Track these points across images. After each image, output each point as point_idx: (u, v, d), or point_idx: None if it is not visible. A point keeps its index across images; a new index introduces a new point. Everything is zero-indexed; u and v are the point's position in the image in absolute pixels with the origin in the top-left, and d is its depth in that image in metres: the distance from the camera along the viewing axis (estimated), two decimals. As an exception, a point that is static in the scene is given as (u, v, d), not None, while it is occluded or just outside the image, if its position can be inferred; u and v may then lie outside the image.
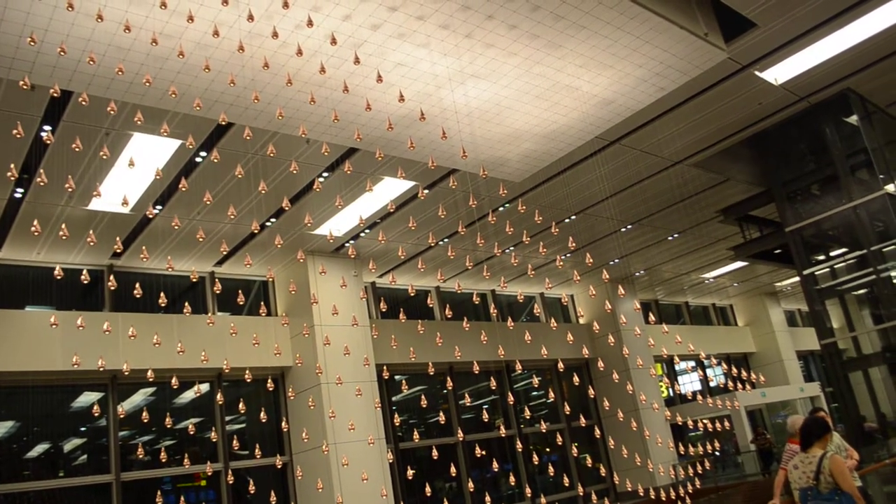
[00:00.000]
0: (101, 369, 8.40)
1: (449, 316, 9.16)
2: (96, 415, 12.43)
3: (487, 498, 9.37)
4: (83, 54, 6.71)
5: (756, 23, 9.28)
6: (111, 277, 7.57)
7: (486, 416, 10.03)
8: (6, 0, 6.04)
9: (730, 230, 17.90)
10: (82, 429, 12.96)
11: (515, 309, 20.60)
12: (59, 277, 6.90)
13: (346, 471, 12.17)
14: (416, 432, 10.51)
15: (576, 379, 10.03)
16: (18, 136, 5.94)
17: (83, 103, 6.00)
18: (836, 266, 13.38)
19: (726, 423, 12.08)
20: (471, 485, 11.45)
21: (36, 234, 6.59)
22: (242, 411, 10.00)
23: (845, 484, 5.86)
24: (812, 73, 11.00)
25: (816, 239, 13.50)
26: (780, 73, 10.86)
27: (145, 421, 9.70)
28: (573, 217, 15.08)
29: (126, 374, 8.39)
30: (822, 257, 13.62)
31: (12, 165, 5.90)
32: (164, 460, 10.88)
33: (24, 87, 5.80)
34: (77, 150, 6.20)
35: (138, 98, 7.57)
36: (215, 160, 7.51)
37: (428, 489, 9.77)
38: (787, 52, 10.28)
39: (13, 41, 6.50)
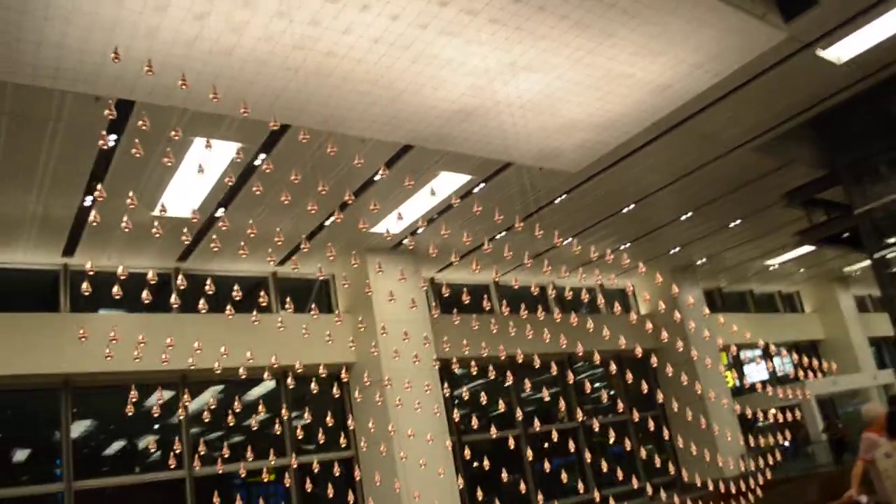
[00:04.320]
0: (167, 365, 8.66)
1: (506, 311, 9.15)
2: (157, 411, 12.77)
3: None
4: (143, 64, 6.93)
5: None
6: (180, 277, 7.85)
7: (559, 415, 10.04)
8: (68, 14, 6.26)
9: (794, 214, 17.40)
10: (155, 426, 13.38)
11: (576, 300, 20.43)
12: (122, 278, 7.14)
13: (412, 465, 12.27)
14: (476, 427, 10.61)
15: (638, 380, 9.89)
16: (104, 146, 6.17)
17: (143, 128, 6.13)
18: (908, 249, 12.93)
19: (797, 413, 11.75)
20: (521, 484, 11.64)
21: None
22: (308, 406, 10.18)
23: None
24: (877, 49, 10.60)
25: (887, 221, 13.04)
26: (843, 51, 10.49)
27: (209, 420, 9.94)
28: (632, 206, 14.88)
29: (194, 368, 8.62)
30: (893, 240, 13.16)
31: (100, 187, 6.14)
32: (229, 455, 11.15)
33: (111, 116, 6.01)
34: (140, 157, 6.40)
35: (198, 105, 7.77)
36: (266, 171, 7.57)
37: (504, 474, 9.98)
38: (849, 29, 9.91)
39: (74, 55, 6.75)
